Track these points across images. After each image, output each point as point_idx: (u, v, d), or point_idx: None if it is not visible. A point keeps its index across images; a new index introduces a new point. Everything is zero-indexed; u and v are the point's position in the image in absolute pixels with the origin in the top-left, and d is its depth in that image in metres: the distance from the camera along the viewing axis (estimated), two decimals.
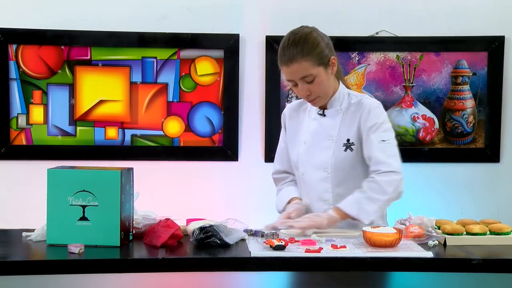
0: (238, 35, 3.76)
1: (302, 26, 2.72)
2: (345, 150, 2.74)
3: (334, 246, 2.38)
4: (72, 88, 3.75)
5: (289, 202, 2.82)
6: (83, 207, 2.40)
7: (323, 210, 2.72)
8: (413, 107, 3.85)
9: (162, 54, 3.76)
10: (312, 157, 2.77)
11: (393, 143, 2.72)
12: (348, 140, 2.74)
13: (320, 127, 2.79)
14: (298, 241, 2.46)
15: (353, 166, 2.74)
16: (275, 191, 2.97)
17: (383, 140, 2.69)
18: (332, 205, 2.71)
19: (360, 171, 2.73)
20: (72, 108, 3.75)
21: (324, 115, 2.79)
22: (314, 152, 2.77)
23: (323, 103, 2.76)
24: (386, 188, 2.62)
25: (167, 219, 2.48)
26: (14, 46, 3.70)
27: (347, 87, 2.83)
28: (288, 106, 2.95)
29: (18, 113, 3.74)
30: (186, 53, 3.77)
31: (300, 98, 2.82)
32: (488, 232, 2.56)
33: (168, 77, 3.78)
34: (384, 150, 2.67)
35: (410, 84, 3.84)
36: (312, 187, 2.78)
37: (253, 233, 2.56)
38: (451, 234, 2.52)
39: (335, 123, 2.77)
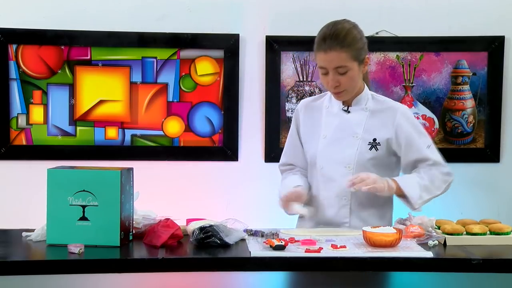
0: (238, 35, 3.76)
1: (345, 19, 2.78)
2: (370, 149, 2.77)
3: (334, 246, 2.38)
4: (72, 88, 3.75)
5: None
6: (83, 207, 2.40)
7: (340, 206, 2.77)
8: (413, 107, 3.85)
9: (162, 54, 3.76)
10: (334, 152, 2.78)
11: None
12: (374, 139, 2.77)
13: (343, 123, 2.81)
14: (298, 241, 2.46)
15: (376, 166, 2.77)
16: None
17: (429, 146, 2.83)
18: (349, 202, 2.76)
19: (382, 172, 2.74)
20: (72, 108, 3.75)
21: (349, 112, 2.82)
22: (337, 147, 2.78)
23: (347, 97, 2.79)
24: (442, 185, 2.78)
25: (167, 219, 2.48)
26: (14, 46, 3.70)
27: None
28: (302, 102, 2.96)
29: (18, 113, 3.74)
30: (186, 53, 3.77)
31: (319, 93, 2.86)
32: (488, 232, 2.56)
33: (168, 77, 3.78)
34: (436, 153, 2.83)
35: (410, 84, 3.84)
36: (332, 182, 2.78)
37: (253, 233, 2.56)
38: (451, 234, 2.52)
39: (360, 121, 2.80)
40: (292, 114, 3.79)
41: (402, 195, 2.73)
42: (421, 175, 2.75)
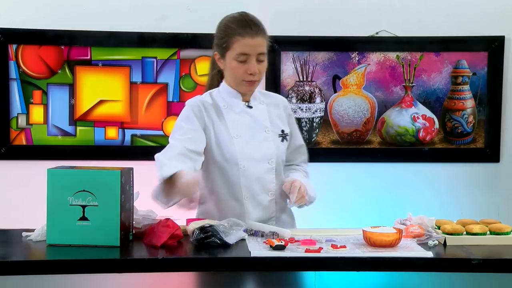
0: None
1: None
2: (282, 140, 2.81)
3: (334, 246, 2.38)
4: (72, 88, 3.75)
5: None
6: (83, 207, 2.40)
7: (268, 201, 2.77)
8: (413, 107, 3.85)
9: (162, 54, 3.76)
10: (253, 151, 2.74)
11: None
12: (282, 131, 2.82)
13: (252, 119, 2.78)
14: (298, 241, 2.46)
15: (284, 156, 2.83)
16: None
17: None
18: (275, 196, 2.78)
19: (284, 161, 2.85)
20: (72, 108, 3.76)
21: (251, 107, 2.80)
22: (254, 145, 2.74)
23: (255, 89, 2.80)
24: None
25: (167, 219, 2.48)
26: (14, 46, 3.70)
27: None
28: (197, 101, 2.77)
29: (18, 113, 3.74)
30: (186, 53, 3.77)
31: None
32: (488, 232, 2.56)
33: (168, 77, 3.78)
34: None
35: (410, 84, 3.84)
36: (256, 180, 2.75)
37: (253, 233, 2.56)
38: (451, 234, 2.52)
39: (264, 115, 2.80)
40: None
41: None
42: (305, 173, 2.90)
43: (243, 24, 2.70)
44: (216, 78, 2.84)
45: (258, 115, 2.79)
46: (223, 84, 2.81)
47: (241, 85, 2.74)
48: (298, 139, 2.92)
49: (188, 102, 2.80)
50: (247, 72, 2.69)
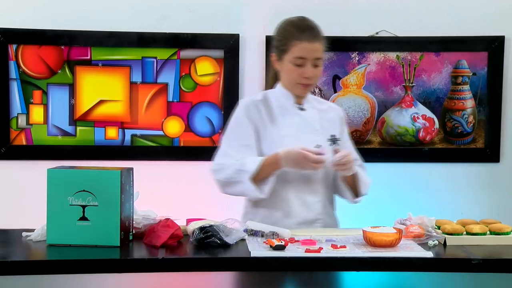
0: (238, 35, 3.76)
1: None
2: (331, 144, 2.82)
3: (334, 246, 2.38)
4: (72, 88, 3.75)
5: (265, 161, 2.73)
6: (83, 207, 2.40)
7: (314, 202, 2.79)
8: (413, 107, 3.85)
9: (162, 54, 3.76)
10: None
11: None
12: (333, 135, 2.85)
13: (303, 121, 2.83)
14: (298, 241, 2.46)
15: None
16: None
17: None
18: (321, 197, 2.80)
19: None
20: (72, 108, 3.76)
21: (304, 109, 2.84)
22: (302, 145, 2.74)
23: (309, 92, 2.85)
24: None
25: (167, 219, 2.48)
26: (14, 46, 3.70)
27: None
28: (248, 101, 2.87)
29: (18, 113, 3.74)
30: (186, 53, 3.77)
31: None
32: (488, 232, 2.56)
33: (168, 77, 3.78)
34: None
35: (410, 84, 3.84)
36: (304, 180, 2.78)
37: (253, 233, 2.56)
38: (451, 234, 2.52)
39: (315, 118, 2.85)
40: None
41: (351, 180, 2.82)
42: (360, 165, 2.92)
43: (302, 28, 2.76)
44: (274, 78, 2.90)
45: (309, 117, 2.84)
46: (278, 85, 2.88)
47: (296, 87, 2.80)
48: (350, 148, 2.93)
49: (241, 103, 2.89)
50: (303, 76, 2.76)
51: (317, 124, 2.85)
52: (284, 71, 2.81)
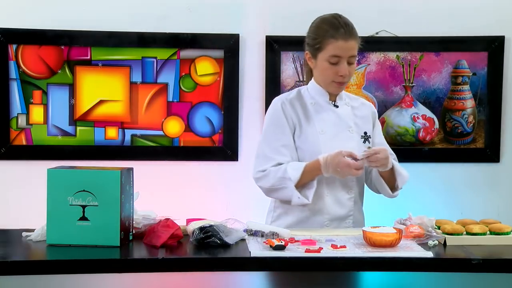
0: (238, 35, 3.76)
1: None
2: (364, 142, 2.84)
3: (334, 246, 2.38)
4: (72, 88, 3.75)
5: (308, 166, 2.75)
6: (83, 207, 2.40)
7: (347, 199, 2.81)
8: (413, 107, 3.85)
9: (162, 54, 3.76)
10: (336, 147, 2.75)
11: None
12: (365, 133, 2.86)
13: (336, 117, 2.84)
14: (298, 241, 2.46)
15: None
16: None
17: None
18: (354, 193, 2.82)
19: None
20: (72, 108, 3.76)
21: (337, 106, 2.86)
22: (337, 141, 2.78)
23: (343, 89, 2.87)
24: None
25: (167, 219, 2.48)
26: (14, 46, 3.70)
27: None
28: (283, 98, 2.87)
29: (18, 113, 3.74)
30: (186, 53, 3.77)
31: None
32: (488, 232, 2.56)
33: (168, 77, 3.78)
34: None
35: (410, 84, 3.84)
36: (337, 177, 2.77)
37: (253, 233, 2.56)
38: (451, 234, 2.52)
39: (349, 115, 2.86)
40: None
41: (388, 175, 2.82)
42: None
43: (337, 26, 2.75)
44: (310, 74, 2.91)
45: (343, 114, 2.85)
46: (312, 82, 2.88)
47: (331, 85, 2.81)
48: (384, 145, 2.93)
49: (276, 102, 2.88)
50: (338, 74, 2.76)
51: (351, 121, 2.85)
52: (319, 69, 2.81)
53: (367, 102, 2.99)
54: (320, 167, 2.69)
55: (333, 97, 2.86)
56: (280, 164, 2.77)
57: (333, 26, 2.75)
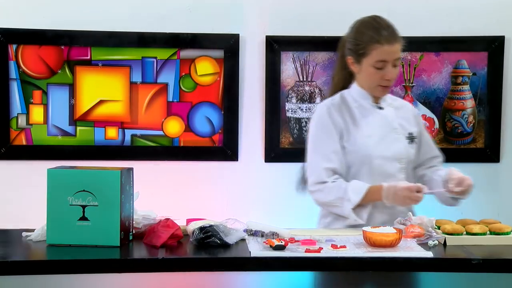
0: (238, 35, 3.76)
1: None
2: (409, 143, 2.84)
3: (334, 246, 2.38)
4: (72, 88, 3.75)
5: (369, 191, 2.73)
6: (83, 207, 2.40)
7: (394, 206, 2.76)
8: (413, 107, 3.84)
9: (162, 54, 3.76)
10: (385, 149, 2.78)
11: None
12: (410, 133, 2.86)
13: (381, 119, 2.83)
14: (298, 241, 2.46)
15: (412, 157, 2.86)
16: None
17: None
18: None
19: (416, 163, 2.90)
20: (72, 108, 3.75)
21: (382, 108, 2.85)
22: (385, 144, 2.79)
23: (388, 92, 2.86)
24: None
25: (167, 219, 2.48)
26: (14, 46, 3.70)
27: None
28: (328, 104, 2.85)
29: (18, 113, 3.74)
30: (186, 53, 3.77)
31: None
32: (488, 232, 2.56)
33: (168, 77, 3.78)
34: None
35: (410, 84, 3.84)
36: (388, 178, 2.76)
37: (253, 233, 2.56)
38: (451, 234, 2.52)
39: (393, 117, 2.85)
40: (292, 114, 3.80)
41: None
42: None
43: (380, 30, 2.74)
44: (348, 79, 2.88)
45: (388, 116, 2.85)
46: (355, 85, 2.86)
47: (376, 89, 2.81)
48: (432, 145, 2.97)
49: (321, 107, 2.86)
50: (384, 78, 2.76)
51: (396, 123, 2.85)
52: (364, 74, 2.79)
53: (407, 103, 2.99)
54: (382, 194, 2.68)
55: (376, 99, 2.85)
56: (334, 171, 2.75)
57: (376, 31, 2.73)
